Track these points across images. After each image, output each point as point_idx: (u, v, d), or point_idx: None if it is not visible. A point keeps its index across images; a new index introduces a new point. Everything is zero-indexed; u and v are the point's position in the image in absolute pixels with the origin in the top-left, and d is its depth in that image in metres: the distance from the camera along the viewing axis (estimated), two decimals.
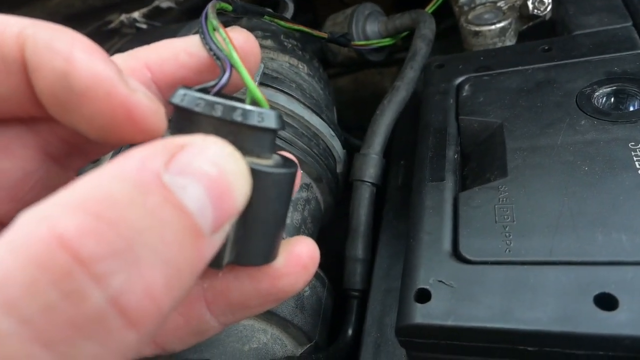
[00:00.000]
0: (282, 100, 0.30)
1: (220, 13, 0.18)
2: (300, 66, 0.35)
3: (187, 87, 0.13)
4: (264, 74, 0.30)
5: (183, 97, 0.13)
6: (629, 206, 0.20)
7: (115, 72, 0.12)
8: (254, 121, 0.12)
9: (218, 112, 0.12)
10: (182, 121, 0.13)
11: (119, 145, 0.16)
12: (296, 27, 0.33)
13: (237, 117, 0.12)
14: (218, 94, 0.14)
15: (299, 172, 0.16)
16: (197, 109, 0.12)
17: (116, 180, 0.09)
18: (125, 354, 0.09)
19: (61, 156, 0.15)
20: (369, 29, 0.41)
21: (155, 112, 0.13)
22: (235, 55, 0.14)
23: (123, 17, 0.51)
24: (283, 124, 0.14)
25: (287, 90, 0.31)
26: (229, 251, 0.13)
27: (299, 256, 0.15)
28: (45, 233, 0.08)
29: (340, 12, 0.43)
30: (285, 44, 0.36)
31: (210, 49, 0.15)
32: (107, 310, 0.08)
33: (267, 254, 0.14)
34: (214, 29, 0.15)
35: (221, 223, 0.11)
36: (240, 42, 0.15)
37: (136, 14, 0.51)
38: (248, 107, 0.13)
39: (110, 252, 0.08)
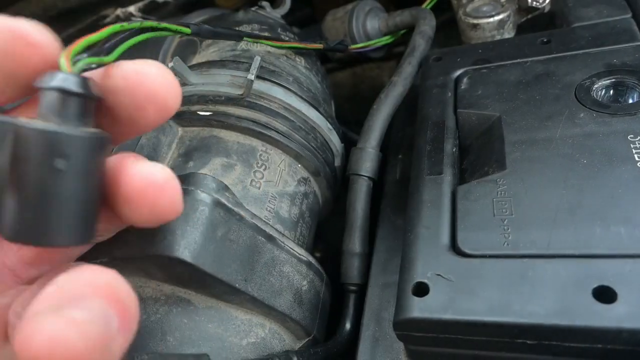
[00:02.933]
0: (279, 93, 0.30)
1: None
2: (297, 59, 0.35)
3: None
4: (260, 67, 0.30)
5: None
6: (628, 199, 0.20)
7: None
8: (44, 84, 0.12)
9: (36, 81, 0.13)
10: None
11: (22, 82, 0.14)
12: (286, 45, 0.33)
13: (38, 81, 0.13)
14: None
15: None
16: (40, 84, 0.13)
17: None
18: None
19: None
20: (369, 26, 0.41)
21: (38, 27, 0.13)
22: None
23: (119, 11, 0.51)
24: (84, 88, 0.13)
25: (284, 84, 0.30)
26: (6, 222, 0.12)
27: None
28: None
29: (340, 8, 0.42)
30: (283, 37, 0.36)
31: None
32: None
33: (45, 232, 0.12)
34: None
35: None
36: (153, 78, 0.14)
37: (132, 8, 0.50)
38: (49, 73, 0.13)
39: None
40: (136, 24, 0.16)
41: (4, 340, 0.14)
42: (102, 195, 0.14)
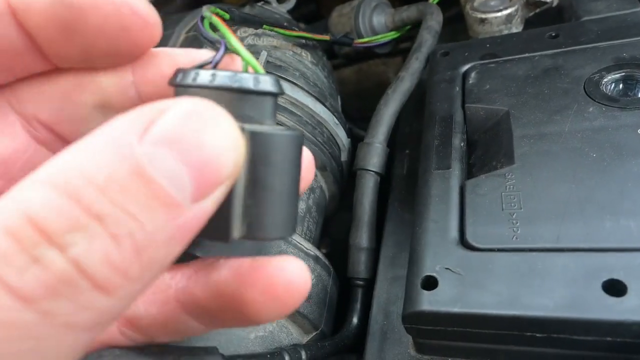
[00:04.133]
0: (285, 88, 0.30)
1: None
2: (303, 54, 0.35)
3: (184, 68, 0.13)
4: (267, 62, 0.30)
5: (179, 76, 0.13)
6: (637, 192, 0.20)
7: None
8: (249, 85, 0.12)
9: (214, 82, 0.12)
10: None
11: (127, 62, 0.14)
12: (296, 34, 0.33)
13: (233, 83, 0.12)
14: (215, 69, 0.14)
15: (307, 153, 0.15)
16: (193, 83, 0.12)
17: (84, 155, 0.10)
18: (101, 313, 0.10)
19: (46, 140, 0.15)
20: (376, 21, 0.40)
21: (147, 3, 0.13)
22: (227, 32, 0.14)
23: None
24: (281, 88, 0.13)
25: (291, 79, 0.30)
26: (236, 222, 0.12)
27: (270, 282, 0.12)
28: (14, 207, 0.09)
29: (347, 4, 0.42)
30: (292, 29, 0.36)
31: (204, 37, 0.15)
32: (73, 274, 0.09)
33: (281, 226, 0.13)
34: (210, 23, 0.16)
35: (204, 191, 0.10)
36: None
37: None
38: (243, 73, 0.13)
39: (71, 226, 0.09)
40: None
41: None
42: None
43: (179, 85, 0.13)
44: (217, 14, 0.19)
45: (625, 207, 0.19)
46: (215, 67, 0.14)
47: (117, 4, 0.12)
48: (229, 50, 0.14)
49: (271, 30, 0.31)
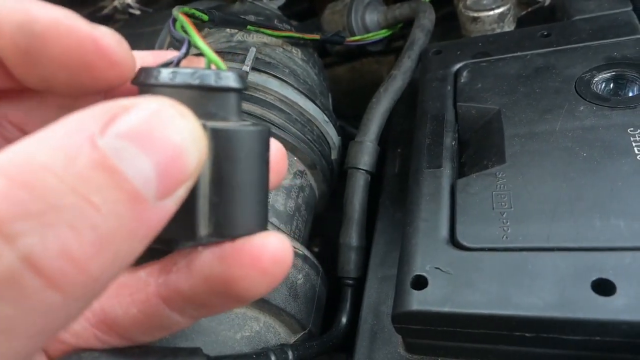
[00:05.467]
0: (275, 85, 0.30)
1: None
2: (294, 51, 0.34)
3: (147, 67, 0.13)
4: (256, 58, 0.29)
5: (142, 75, 0.13)
6: (628, 192, 0.20)
7: (74, 14, 0.12)
8: (210, 82, 0.12)
9: (174, 80, 0.12)
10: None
11: (91, 92, 0.14)
12: (283, 34, 0.32)
13: (194, 80, 0.12)
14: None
15: (277, 146, 0.15)
16: (155, 81, 0.12)
17: (42, 144, 0.09)
18: (49, 315, 0.09)
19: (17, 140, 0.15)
20: (368, 19, 0.40)
21: (120, 42, 0.13)
22: (191, 30, 0.14)
23: (116, 2, 0.50)
24: (244, 83, 0.13)
25: (281, 76, 0.30)
26: (203, 221, 0.12)
27: (256, 257, 0.12)
28: None
29: (340, 1, 0.42)
30: (280, 28, 0.35)
31: (173, 36, 0.16)
32: (21, 269, 0.08)
33: (249, 223, 0.13)
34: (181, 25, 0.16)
35: (169, 189, 0.10)
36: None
37: (129, 0, 0.50)
38: (205, 70, 0.12)
39: (21, 213, 0.08)
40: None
41: None
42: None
43: (142, 84, 0.13)
44: (191, 15, 0.18)
45: (615, 207, 0.19)
46: (177, 65, 0.14)
47: (80, 38, 0.12)
48: (197, 49, 0.14)
49: (256, 31, 0.30)
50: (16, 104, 0.14)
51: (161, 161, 0.10)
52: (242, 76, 0.13)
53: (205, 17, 0.20)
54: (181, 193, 0.11)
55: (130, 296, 0.14)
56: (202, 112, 0.12)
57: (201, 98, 0.12)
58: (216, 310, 0.14)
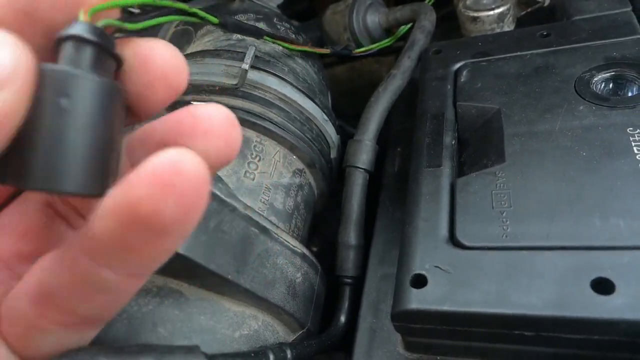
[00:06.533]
0: (274, 83, 0.30)
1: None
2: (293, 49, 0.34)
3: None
4: (255, 57, 0.29)
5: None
6: (627, 191, 0.20)
7: None
8: (61, 34, 0.12)
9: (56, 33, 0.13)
10: None
11: None
12: (299, 48, 0.33)
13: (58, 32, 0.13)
14: None
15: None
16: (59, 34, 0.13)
17: None
18: None
19: None
20: (370, 20, 0.40)
21: None
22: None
23: None
24: (99, 37, 0.13)
25: (280, 74, 0.30)
26: None
27: (150, 173, 0.11)
28: None
29: (341, 2, 0.42)
30: (279, 27, 0.35)
31: None
32: None
33: (49, 175, 0.12)
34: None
35: None
36: (158, 54, 0.14)
37: None
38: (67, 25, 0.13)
39: None
40: (168, 2, 0.16)
41: None
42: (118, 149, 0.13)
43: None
44: (194, 14, 0.17)
45: (614, 206, 0.19)
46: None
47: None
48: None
49: (273, 42, 0.30)
50: None
51: None
52: (99, 29, 0.13)
53: (215, 20, 0.19)
54: (3, 97, 0.10)
55: (60, 262, 0.13)
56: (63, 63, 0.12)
57: (63, 49, 0.13)
58: (142, 256, 0.12)
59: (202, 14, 0.18)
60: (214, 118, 0.13)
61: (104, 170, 0.13)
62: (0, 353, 0.13)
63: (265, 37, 0.29)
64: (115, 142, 0.13)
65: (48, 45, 0.13)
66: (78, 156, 0.12)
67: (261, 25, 0.34)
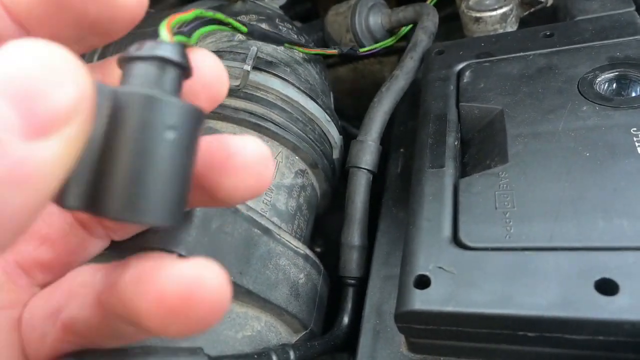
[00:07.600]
0: (276, 84, 0.30)
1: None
2: (295, 50, 0.34)
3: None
4: (257, 57, 0.29)
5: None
6: (631, 192, 0.20)
7: None
8: (145, 53, 0.12)
9: (130, 52, 0.12)
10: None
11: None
12: (313, 51, 0.33)
13: (134, 51, 0.12)
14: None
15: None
16: (127, 54, 0.12)
17: None
18: None
19: None
20: (372, 21, 0.40)
21: None
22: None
23: None
24: (181, 58, 0.12)
25: (282, 75, 0.30)
26: (73, 187, 0.11)
27: (159, 294, 0.11)
28: None
29: (343, 3, 0.42)
30: (281, 27, 0.35)
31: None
32: None
33: (131, 208, 0.11)
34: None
35: (39, 128, 0.09)
36: (206, 65, 0.14)
37: None
38: (150, 42, 0.12)
39: None
40: (209, 13, 0.16)
41: (17, 335, 0.14)
42: (194, 175, 0.13)
43: (122, 60, 0.12)
44: (228, 24, 0.17)
45: (618, 206, 0.19)
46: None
47: None
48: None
49: (291, 49, 0.31)
50: None
51: (17, 96, 0.09)
52: (183, 49, 0.12)
53: (244, 29, 0.20)
54: (67, 134, 0.09)
55: (85, 297, 0.13)
56: (139, 83, 0.11)
57: (142, 69, 0.12)
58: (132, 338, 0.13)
59: (235, 24, 0.19)
60: (248, 155, 0.13)
61: (185, 199, 0.12)
62: (13, 354, 0.13)
63: (285, 45, 0.30)
64: (193, 169, 0.13)
65: (78, 37, 0.13)
66: (167, 187, 0.11)
67: (263, 25, 0.34)
